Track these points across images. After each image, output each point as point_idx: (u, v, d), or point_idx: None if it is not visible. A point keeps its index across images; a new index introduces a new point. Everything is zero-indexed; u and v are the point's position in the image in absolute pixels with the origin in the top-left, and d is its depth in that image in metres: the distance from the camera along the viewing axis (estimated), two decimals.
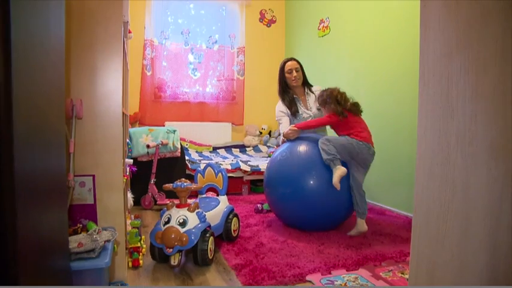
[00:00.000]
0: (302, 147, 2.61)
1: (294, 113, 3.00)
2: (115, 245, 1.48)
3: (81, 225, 1.43)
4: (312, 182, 2.46)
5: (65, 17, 0.88)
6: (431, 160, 0.89)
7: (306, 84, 3.16)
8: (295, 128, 2.74)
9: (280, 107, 3.08)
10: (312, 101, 3.05)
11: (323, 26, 4.35)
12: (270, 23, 5.36)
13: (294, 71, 3.04)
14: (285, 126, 2.95)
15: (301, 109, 3.05)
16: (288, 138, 2.77)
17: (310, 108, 3.04)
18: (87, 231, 1.34)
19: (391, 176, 3.23)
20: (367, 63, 3.56)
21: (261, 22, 5.32)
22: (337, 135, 2.68)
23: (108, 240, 1.31)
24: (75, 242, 1.16)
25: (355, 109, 2.67)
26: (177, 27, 4.81)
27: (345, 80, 3.93)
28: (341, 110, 2.62)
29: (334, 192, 2.43)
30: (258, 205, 3.13)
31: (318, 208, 2.46)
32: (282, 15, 5.40)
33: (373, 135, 3.44)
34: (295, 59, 3.12)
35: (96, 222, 1.51)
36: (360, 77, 3.67)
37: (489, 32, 0.77)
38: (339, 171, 2.42)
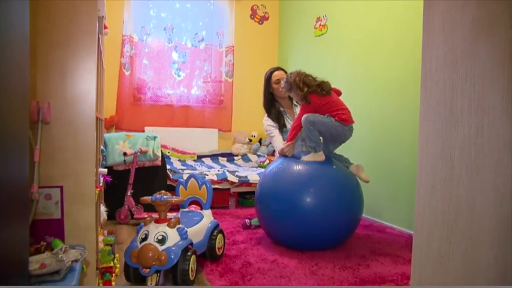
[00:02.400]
0: (298, 162, 2.65)
1: (281, 127, 3.05)
2: (84, 265, 1.45)
3: (45, 244, 1.40)
4: (308, 200, 2.48)
5: (30, 12, 0.87)
6: (434, 175, 0.89)
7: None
8: (290, 143, 2.78)
9: (269, 120, 3.14)
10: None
11: (320, 25, 4.38)
12: (262, 20, 5.39)
13: (282, 81, 3.06)
14: (278, 140, 3.01)
15: (289, 123, 3.09)
16: (284, 155, 2.79)
17: None
18: (52, 250, 1.32)
19: (391, 190, 3.24)
20: (367, 67, 3.59)
21: (252, 19, 5.35)
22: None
23: (76, 260, 1.28)
24: (36, 262, 1.14)
25: (326, 88, 2.73)
26: (159, 22, 4.81)
27: (343, 84, 3.93)
28: (303, 94, 2.69)
29: (333, 210, 2.47)
30: (246, 220, 3.12)
31: (314, 227, 2.47)
32: (275, 11, 5.44)
33: (371, 145, 3.47)
34: (282, 69, 3.19)
35: (63, 239, 1.48)
36: (359, 82, 3.70)
37: (497, 39, 0.78)
38: (317, 156, 2.61)
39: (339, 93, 2.91)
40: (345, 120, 2.66)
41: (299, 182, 2.56)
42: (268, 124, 3.14)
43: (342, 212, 2.52)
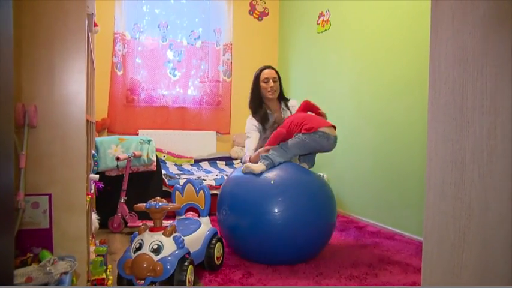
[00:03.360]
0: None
1: (265, 130, 2.98)
2: (74, 278, 1.44)
3: (31, 255, 1.39)
4: (276, 210, 2.39)
5: (14, 9, 0.87)
6: (443, 179, 0.89)
7: (282, 98, 3.18)
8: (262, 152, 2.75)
9: (253, 120, 3.08)
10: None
11: (323, 20, 4.39)
12: (262, 16, 5.40)
13: (271, 81, 3.06)
14: (252, 143, 2.96)
15: (275, 127, 2.96)
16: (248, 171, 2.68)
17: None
18: (40, 261, 1.31)
19: (400, 195, 3.24)
20: (373, 64, 3.60)
21: (251, 15, 5.36)
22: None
23: (66, 272, 1.27)
24: (22, 276, 1.13)
25: (279, 122, 2.86)
26: (153, 18, 4.82)
27: (347, 83, 3.95)
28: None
29: (304, 221, 2.41)
30: None
31: (283, 240, 2.40)
32: (275, 7, 5.45)
33: (378, 146, 3.47)
34: (273, 68, 3.15)
35: (51, 250, 1.48)
36: (364, 80, 3.70)
37: (509, 35, 0.78)
38: (257, 167, 2.58)
39: (308, 106, 2.92)
40: (308, 129, 2.64)
41: (264, 189, 2.49)
42: (252, 124, 3.05)
43: (314, 221, 2.45)
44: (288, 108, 3.14)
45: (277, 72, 3.13)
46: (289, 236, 2.39)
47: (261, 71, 3.13)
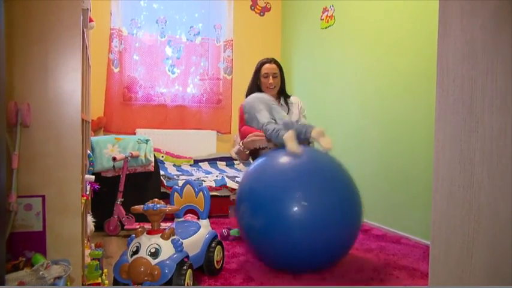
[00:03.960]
0: (282, 158, 2.41)
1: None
2: (68, 282, 1.44)
3: (24, 259, 1.39)
4: (296, 209, 2.19)
5: (5, 3, 0.87)
6: (451, 181, 0.88)
7: (282, 93, 3.17)
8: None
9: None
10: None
11: (327, 16, 4.38)
12: (264, 11, 5.39)
13: (270, 77, 3.05)
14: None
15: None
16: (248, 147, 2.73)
17: None
18: (32, 266, 1.31)
19: (406, 197, 3.23)
20: (378, 62, 3.59)
21: (253, 10, 5.36)
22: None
23: (60, 277, 1.27)
24: (14, 280, 1.13)
25: None
26: (151, 14, 4.82)
27: (352, 80, 3.94)
28: None
29: (328, 221, 2.20)
30: (224, 230, 3.10)
31: (303, 244, 2.20)
32: (277, 2, 5.44)
33: (383, 146, 3.46)
34: (276, 62, 3.13)
35: (44, 254, 1.48)
36: (369, 77, 3.69)
37: None
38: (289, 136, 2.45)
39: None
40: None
41: (281, 184, 2.28)
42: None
43: (340, 221, 2.25)
44: (287, 105, 3.13)
45: (279, 66, 3.12)
46: (311, 238, 2.17)
47: (262, 64, 3.12)
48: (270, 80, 3.04)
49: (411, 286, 1.98)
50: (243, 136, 2.84)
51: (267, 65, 3.09)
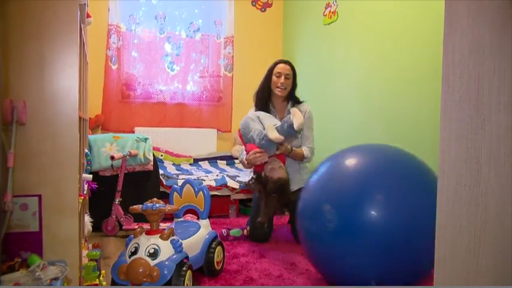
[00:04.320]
0: (356, 159, 2.13)
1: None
2: (65, 284, 1.44)
3: (19, 260, 1.39)
4: (374, 213, 1.89)
5: (0, 0, 0.86)
6: (457, 181, 0.88)
7: (291, 98, 3.17)
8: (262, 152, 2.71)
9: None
10: None
11: (329, 12, 4.37)
12: (265, 7, 5.39)
13: (283, 77, 3.06)
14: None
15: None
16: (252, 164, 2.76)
17: None
18: (28, 267, 1.31)
19: None
20: (382, 58, 3.58)
21: (254, 6, 5.35)
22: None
23: (56, 278, 1.27)
24: (10, 282, 1.13)
25: None
26: (150, 9, 4.82)
27: (355, 77, 3.94)
28: None
29: (416, 229, 1.86)
30: (223, 230, 3.10)
31: (386, 255, 1.88)
32: None
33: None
34: (290, 64, 3.14)
35: (41, 254, 1.48)
36: (373, 74, 3.69)
37: None
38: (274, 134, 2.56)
39: None
40: None
41: (359, 185, 1.99)
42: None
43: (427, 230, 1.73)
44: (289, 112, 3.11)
45: (293, 69, 3.13)
46: (393, 250, 1.87)
47: (276, 64, 3.13)
48: (282, 80, 3.05)
49: (416, 286, 1.97)
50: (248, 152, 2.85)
51: (280, 65, 3.11)
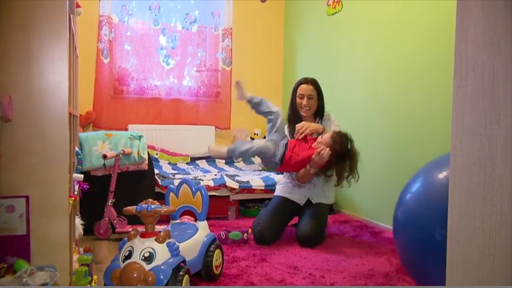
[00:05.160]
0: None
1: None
2: None
3: (5, 265, 1.38)
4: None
5: None
6: (470, 179, 0.87)
7: (319, 114, 3.32)
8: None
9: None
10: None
11: (333, 1, 4.37)
12: None
13: (305, 98, 3.21)
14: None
15: None
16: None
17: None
18: (15, 272, 1.30)
19: None
20: (389, 49, 3.58)
21: None
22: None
23: (45, 284, 1.27)
24: None
25: None
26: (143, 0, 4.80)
27: (360, 70, 3.93)
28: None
29: None
30: (222, 233, 3.10)
31: None
32: None
33: (394, 142, 3.46)
34: (313, 83, 3.26)
35: (28, 259, 1.47)
36: (379, 67, 3.68)
37: None
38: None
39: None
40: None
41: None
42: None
43: None
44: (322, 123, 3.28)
45: (317, 87, 3.26)
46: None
47: (298, 84, 3.29)
48: (305, 102, 3.20)
49: (428, 286, 1.98)
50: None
51: (303, 86, 3.25)
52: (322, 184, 3.24)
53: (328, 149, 2.91)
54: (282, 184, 3.41)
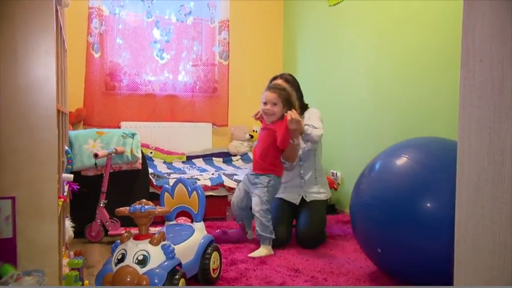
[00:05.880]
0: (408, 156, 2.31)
1: None
2: None
3: None
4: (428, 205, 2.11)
5: None
6: (479, 175, 0.87)
7: (302, 107, 3.28)
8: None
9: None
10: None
11: None
12: None
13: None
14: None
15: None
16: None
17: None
18: (0, 277, 1.30)
19: None
20: (394, 41, 3.58)
21: None
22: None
23: None
24: None
25: None
26: None
27: (364, 62, 3.93)
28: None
29: None
30: (218, 230, 3.14)
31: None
32: None
33: (400, 136, 3.45)
34: (279, 84, 3.20)
35: (15, 264, 1.47)
36: (384, 59, 3.68)
37: None
38: (265, 251, 2.85)
39: None
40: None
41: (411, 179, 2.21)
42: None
43: None
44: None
45: (288, 81, 3.26)
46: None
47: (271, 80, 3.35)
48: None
49: (435, 286, 1.98)
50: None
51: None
52: (314, 180, 3.28)
53: (290, 111, 2.88)
54: None
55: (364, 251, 2.53)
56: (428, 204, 2.11)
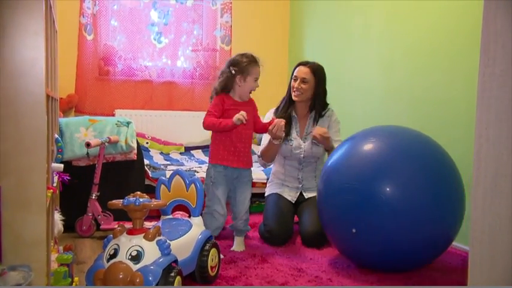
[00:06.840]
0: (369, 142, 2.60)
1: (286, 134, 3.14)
2: None
3: None
4: (388, 190, 2.40)
5: None
6: (496, 170, 0.86)
7: (316, 105, 3.30)
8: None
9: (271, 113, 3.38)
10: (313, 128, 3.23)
11: None
12: None
13: (298, 80, 3.19)
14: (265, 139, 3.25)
15: (293, 134, 3.27)
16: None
17: (305, 137, 3.25)
18: None
19: None
20: (408, 27, 3.57)
21: None
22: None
23: (19, 285, 1.27)
24: None
25: None
26: None
27: (375, 51, 3.92)
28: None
29: (423, 209, 2.38)
30: None
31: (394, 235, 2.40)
32: None
33: (411, 126, 3.46)
34: (312, 67, 3.24)
35: (0, 258, 1.48)
36: (397, 47, 3.68)
37: None
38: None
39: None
40: None
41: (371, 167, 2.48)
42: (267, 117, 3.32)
43: (436, 212, 2.40)
44: (319, 119, 3.29)
45: (316, 72, 3.23)
46: (400, 233, 2.39)
47: (297, 65, 3.31)
48: (296, 84, 3.19)
49: (449, 286, 2.00)
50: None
51: (300, 67, 3.25)
52: (313, 179, 3.32)
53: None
54: (270, 183, 3.51)
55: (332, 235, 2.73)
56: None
